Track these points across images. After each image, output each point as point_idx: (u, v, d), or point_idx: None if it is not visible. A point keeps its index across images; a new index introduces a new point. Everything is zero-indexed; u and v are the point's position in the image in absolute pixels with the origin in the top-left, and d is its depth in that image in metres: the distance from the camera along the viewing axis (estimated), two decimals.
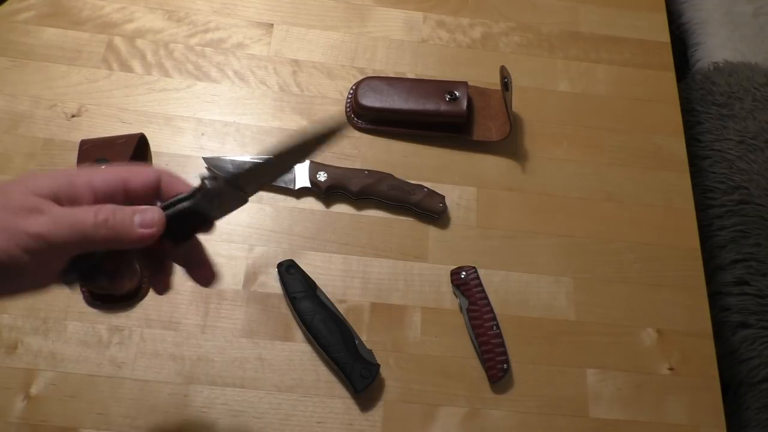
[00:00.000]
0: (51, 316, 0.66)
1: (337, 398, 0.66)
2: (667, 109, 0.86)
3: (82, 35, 0.81)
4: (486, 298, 0.69)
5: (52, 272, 0.37)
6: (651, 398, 0.69)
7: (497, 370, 0.67)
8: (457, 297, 0.71)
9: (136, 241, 0.38)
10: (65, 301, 0.67)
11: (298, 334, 0.68)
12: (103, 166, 0.44)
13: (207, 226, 0.42)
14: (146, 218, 0.38)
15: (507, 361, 0.67)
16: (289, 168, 0.43)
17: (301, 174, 0.74)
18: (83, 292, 0.67)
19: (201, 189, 0.40)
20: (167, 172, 0.41)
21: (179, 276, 0.45)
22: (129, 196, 0.39)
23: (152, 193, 0.40)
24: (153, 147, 0.73)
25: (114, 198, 0.39)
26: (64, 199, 0.37)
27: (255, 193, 0.43)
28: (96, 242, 0.37)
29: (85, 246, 0.37)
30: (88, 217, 0.36)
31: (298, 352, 0.67)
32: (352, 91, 0.81)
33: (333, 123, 0.43)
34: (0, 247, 0.34)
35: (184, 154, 0.75)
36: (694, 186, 0.86)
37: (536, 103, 0.84)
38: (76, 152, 0.68)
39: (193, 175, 0.43)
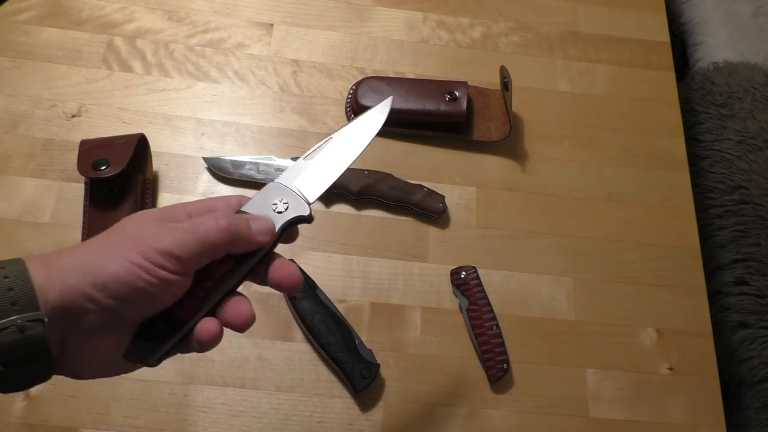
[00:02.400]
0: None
1: (337, 398, 0.66)
2: (667, 109, 0.86)
3: (82, 35, 0.81)
4: (486, 298, 0.69)
5: (179, 286, 0.37)
6: (651, 398, 0.69)
7: (497, 370, 0.67)
8: (457, 297, 0.71)
9: (254, 246, 0.39)
10: None
11: (298, 334, 0.68)
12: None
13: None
14: (261, 227, 0.40)
15: (507, 361, 0.67)
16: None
17: None
18: None
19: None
20: (247, 197, 0.43)
21: None
22: None
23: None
24: (153, 147, 0.73)
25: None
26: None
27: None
28: (220, 248, 0.38)
29: (210, 254, 0.38)
30: (211, 224, 0.38)
31: (298, 352, 0.67)
32: (352, 91, 0.81)
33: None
34: (137, 263, 0.35)
35: (184, 154, 0.75)
36: (694, 186, 0.86)
37: (536, 103, 0.84)
38: (76, 152, 0.68)
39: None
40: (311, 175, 0.44)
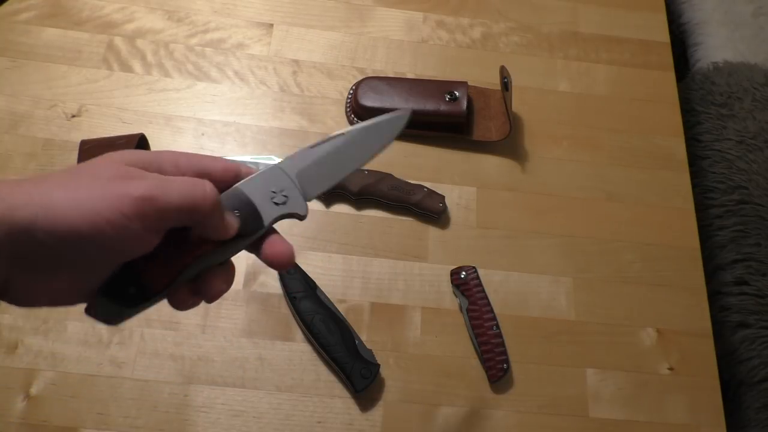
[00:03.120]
0: (51, 316, 0.66)
1: (337, 398, 0.66)
2: (667, 109, 0.86)
3: (82, 35, 0.81)
4: (486, 298, 0.69)
5: (145, 243, 0.34)
6: (651, 398, 0.69)
7: (497, 370, 0.67)
8: (457, 297, 0.71)
9: (220, 232, 0.37)
10: None
11: (298, 334, 0.68)
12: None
13: (257, 223, 0.39)
14: (230, 219, 0.37)
15: (507, 361, 0.67)
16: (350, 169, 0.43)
17: None
18: None
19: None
20: (247, 166, 0.40)
21: None
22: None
23: (231, 185, 0.40)
24: (153, 147, 0.73)
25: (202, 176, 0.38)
26: (152, 171, 0.35)
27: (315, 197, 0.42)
28: (200, 213, 0.35)
29: (189, 216, 0.35)
30: (198, 185, 0.35)
31: (298, 352, 0.67)
32: (352, 91, 0.81)
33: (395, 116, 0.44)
34: (98, 211, 0.31)
35: None
36: (694, 186, 0.86)
37: (536, 103, 0.84)
38: (77, 152, 0.68)
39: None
40: (316, 171, 0.42)
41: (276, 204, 0.39)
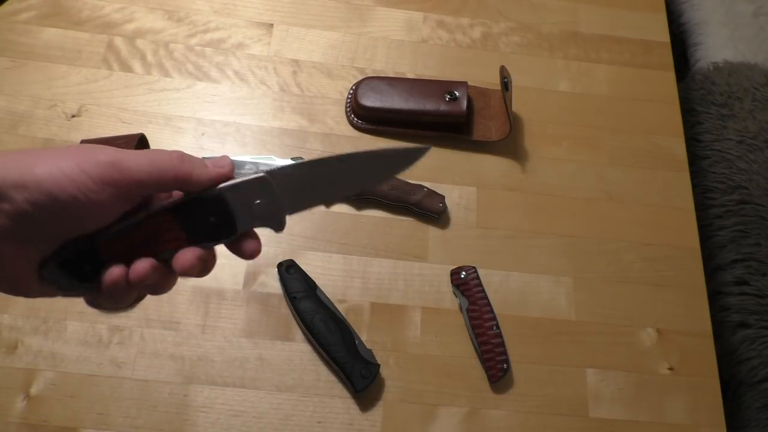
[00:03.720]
0: (51, 316, 0.66)
1: (337, 398, 0.66)
2: (667, 109, 0.86)
3: (82, 35, 0.81)
4: (486, 298, 0.69)
5: (109, 210, 0.34)
6: (651, 398, 0.69)
7: (497, 370, 0.67)
8: (457, 297, 0.71)
9: (212, 179, 0.36)
10: (65, 301, 0.67)
11: (298, 334, 0.68)
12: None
13: (229, 230, 0.38)
14: (217, 160, 0.37)
15: (507, 361, 0.67)
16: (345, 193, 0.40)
17: None
18: None
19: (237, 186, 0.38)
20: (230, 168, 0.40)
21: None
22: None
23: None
24: (153, 147, 0.73)
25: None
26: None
27: (297, 212, 0.40)
28: (170, 179, 0.35)
29: (159, 185, 0.35)
30: (165, 153, 0.35)
31: (298, 352, 0.67)
32: (352, 91, 0.81)
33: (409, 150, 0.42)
34: (65, 172, 0.32)
35: None
36: (694, 186, 0.86)
37: (536, 103, 0.84)
38: None
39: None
40: (305, 190, 0.40)
41: (254, 215, 0.38)
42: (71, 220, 0.34)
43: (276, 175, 0.38)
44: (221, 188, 0.37)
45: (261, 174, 0.38)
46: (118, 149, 0.35)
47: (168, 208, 0.37)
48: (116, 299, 0.36)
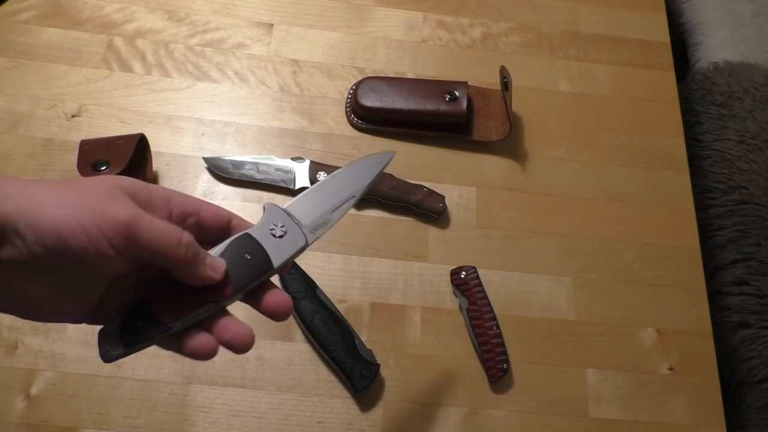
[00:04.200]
0: None
1: (337, 398, 0.66)
2: (667, 109, 0.86)
3: (82, 35, 0.81)
4: (486, 298, 0.69)
5: (110, 264, 0.35)
6: (651, 398, 0.69)
7: (497, 370, 0.67)
8: (457, 297, 0.71)
9: (201, 279, 0.37)
10: None
11: (298, 334, 0.68)
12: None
13: (266, 264, 0.40)
14: (215, 262, 0.38)
15: (507, 361, 0.67)
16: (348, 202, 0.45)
17: (301, 174, 0.74)
18: None
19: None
20: (240, 217, 0.42)
21: None
22: (200, 226, 0.40)
23: (222, 231, 0.41)
24: (153, 147, 0.73)
25: (185, 221, 0.39)
26: (141, 203, 0.36)
27: (319, 237, 0.43)
28: (173, 260, 0.36)
29: (162, 260, 0.36)
30: (177, 233, 0.36)
31: (298, 352, 0.67)
32: (352, 91, 0.81)
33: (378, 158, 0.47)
34: (79, 220, 0.33)
35: (184, 154, 0.75)
36: (694, 186, 0.86)
37: (536, 103, 0.84)
38: (76, 152, 0.68)
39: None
40: (307, 202, 0.44)
41: (275, 236, 0.41)
42: (79, 265, 0.34)
43: (278, 205, 0.42)
44: (248, 231, 0.40)
45: (267, 204, 0.42)
46: (132, 204, 0.35)
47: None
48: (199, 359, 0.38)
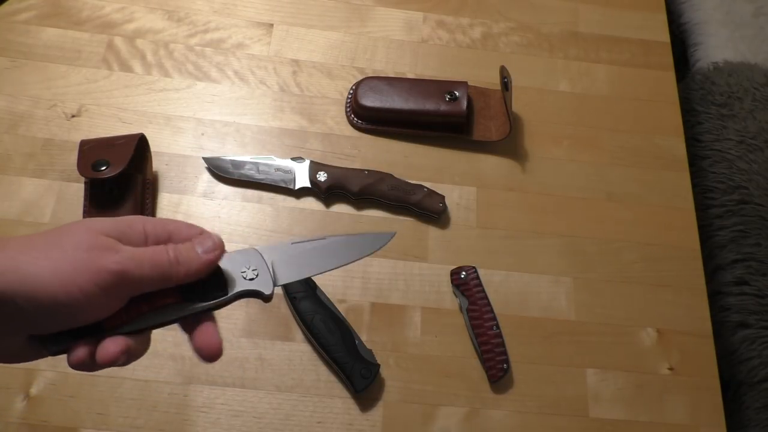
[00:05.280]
0: None
1: (337, 398, 0.66)
2: (667, 109, 0.86)
3: (82, 35, 0.81)
4: (486, 298, 0.69)
5: (108, 309, 0.36)
6: (651, 398, 0.69)
7: (497, 370, 0.67)
8: (457, 297, 0.71)
9: (204, 268, 0.38)
10: None
11: (298, 334, 0.68)
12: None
13: (222, 291, 0.40)
14: (206, 245, 0.39)
15: (507, 361, 0.67)
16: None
17: (301, 174, 0.74)
18: None
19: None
20: (209, 233, 0.42)
21: None
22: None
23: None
24: (153, 147, 0.73)
25: (159, 243, 0.40)
26: (124, 241, 0.37)
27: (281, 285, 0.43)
28: (172, 279, 0.37)
29: (162, 283, 0.37)
30: (164, 255, 0.37)
31: (298, 352, 0.67)
32: (352, 91, 0.81)
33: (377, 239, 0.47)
34: (76, 282, 0.34)
35: (184, 154, 0.75)
36: (694, 186, 0.86)
37: (536, 103, 0.84)
38: (76, 152, 0.68)
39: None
40: (290, 263, 0.43)
41: (244, 278, 0.40)
42: (75, 318, 0.35)
43: (263, 249, 0.42)
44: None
45: (250, 249, 0.42)
46: (117, 249, 0.36)
47: None
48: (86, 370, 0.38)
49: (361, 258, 0.46)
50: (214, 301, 0.39)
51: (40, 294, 0.33)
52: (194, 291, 0.39)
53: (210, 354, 0.39)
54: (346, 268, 0.71)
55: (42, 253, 0.35)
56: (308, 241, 0.44)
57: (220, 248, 0.39)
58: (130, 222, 0.39)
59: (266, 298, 0.41)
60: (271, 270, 0.42)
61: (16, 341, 0.36)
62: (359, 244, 0.46)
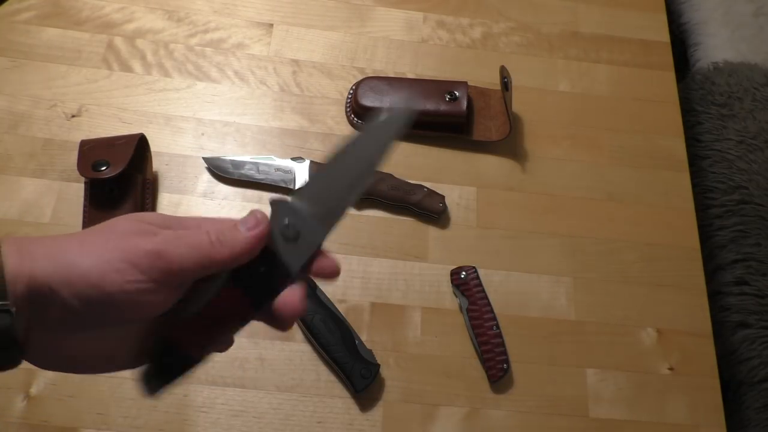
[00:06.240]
0: None
1: (337, 398, 0.66)
2: (667, 109, 0.86)
3: (82, 35, 0.81)
4: (486, 298, 0.69)
5: (160, 299, 0.34)
6: (651, 398, 0.69)
7: (497, 370, 0.67)
8: (457, 297, 0.71)
9: (249, 247, 0.35)
10: None
11: (298, 334, 0.68)
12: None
13: (284, 273, 0.36)
14: (249, 222, 0.36)
15: (507, 361, 0.67)
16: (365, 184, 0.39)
17: (301, 174, 0.74)
18: None
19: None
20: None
21: None
22: None
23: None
24: (153, 147, 0.73)
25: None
26: (161, 228, 0.36)
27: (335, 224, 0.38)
28: (215, 262, 0.35)
29: (204, 268, 0.35)
30: (204, 237, 0.35)
31: (298, 352, 0.67)
32: (352, 91, 0.81)
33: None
34: (112, 264, 0.32)
35: (184, 154, 0.75)
36: (694, 186, 0.86)
37: (536, 103, 0.84)
38: (76, 152, 0.68)
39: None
40: (322, 188, 0.38)
41: (287, 240, 0.36)
42: (122, 309, 0.33)
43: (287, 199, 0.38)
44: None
45: (277, 201, 0.37)
46: (157, 233, 0.34)
47: (226, 280, 0.36)
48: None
49: (388, 147, 0.39)
50: (281, 289, 0.36)
51: (75, 279, 0.32)
52: (259, 286, 0.36)
53: (293, 312, 0.37)
54: (347, 268, 0.71)
55: (78, 241, 0.34)
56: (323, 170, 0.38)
57: (264, 222, 0.36)
58: (181, 218, 0.37)
59: (319, 246, 0.37)
60: (307, 211, 0.37)
61: (82, 346, 0.34)
62: (375, 133, 0.39)
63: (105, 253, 0.33)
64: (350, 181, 0.38)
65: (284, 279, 0.36)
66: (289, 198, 0.38)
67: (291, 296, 0.37)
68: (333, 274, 0.38)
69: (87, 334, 0.34)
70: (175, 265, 0.34)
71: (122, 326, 0.35)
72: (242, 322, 0.37)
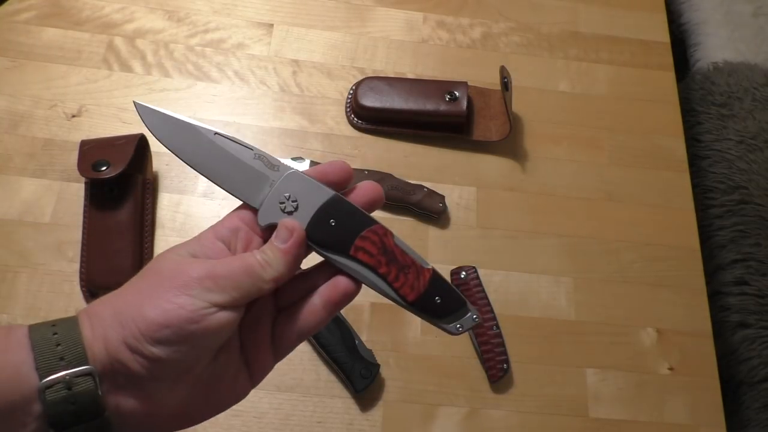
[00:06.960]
0: (51, 315, 0.66)
1: (337, 398, 0.66)
2: (667, 109, 0.86)
3: (82, 35, 0.81)
4: (486, 298, 0.69)
5: (225, 325, 0.34)
6: (651, 398, 0.69)
7: (497, 370, 0.67)
8: None
9: (290, 261, 0.37)
10: (65, 300, 0.67)
11: None
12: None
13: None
14: (281, 234, 0.37)
15: (507, 361, 0.67)
16: None
17: None
18: (83, 291, 0.67)
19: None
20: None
21: None
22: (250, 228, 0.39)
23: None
24: (153, 147, 0.73)
25: (237, 231, 0.38)
26: (200, 256, 0.37)
27: None
28: (264, 281, 0.36)
29: (255, 286, 0.35)
30: (252, 258, 0.36)
31: (298, 352, 0.67)
32: (352, 91, 0.81)
33: None
34: (168, 299, 0.33)
35: None
36: (694, 186, 0.86)
37: (536, 103, 0.84)
38: (76, 152, 0.68)
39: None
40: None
41: (290, 214, 0.38)
42: (197, 336, 0.34)
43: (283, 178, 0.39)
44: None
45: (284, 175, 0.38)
46: (202, 260, 0.36)
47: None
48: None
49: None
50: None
51: (141, 325, 0.33)
52: (330, 238, 0.39)
53: (345, 294, 0.42)
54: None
55: (134, 291, 0.35)
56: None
57: (297, 229, 0.37)
58: (198, 237, 0.38)
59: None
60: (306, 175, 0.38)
61: (167, 395, 0.34)
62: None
63: (163, 293, 0.33)
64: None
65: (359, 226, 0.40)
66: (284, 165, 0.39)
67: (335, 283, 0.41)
68: (348, 293, 0.43)
69: (181, 376, 0.34)
70: (225, 283, 0.34)
71: (208, 355, 0.35)
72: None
